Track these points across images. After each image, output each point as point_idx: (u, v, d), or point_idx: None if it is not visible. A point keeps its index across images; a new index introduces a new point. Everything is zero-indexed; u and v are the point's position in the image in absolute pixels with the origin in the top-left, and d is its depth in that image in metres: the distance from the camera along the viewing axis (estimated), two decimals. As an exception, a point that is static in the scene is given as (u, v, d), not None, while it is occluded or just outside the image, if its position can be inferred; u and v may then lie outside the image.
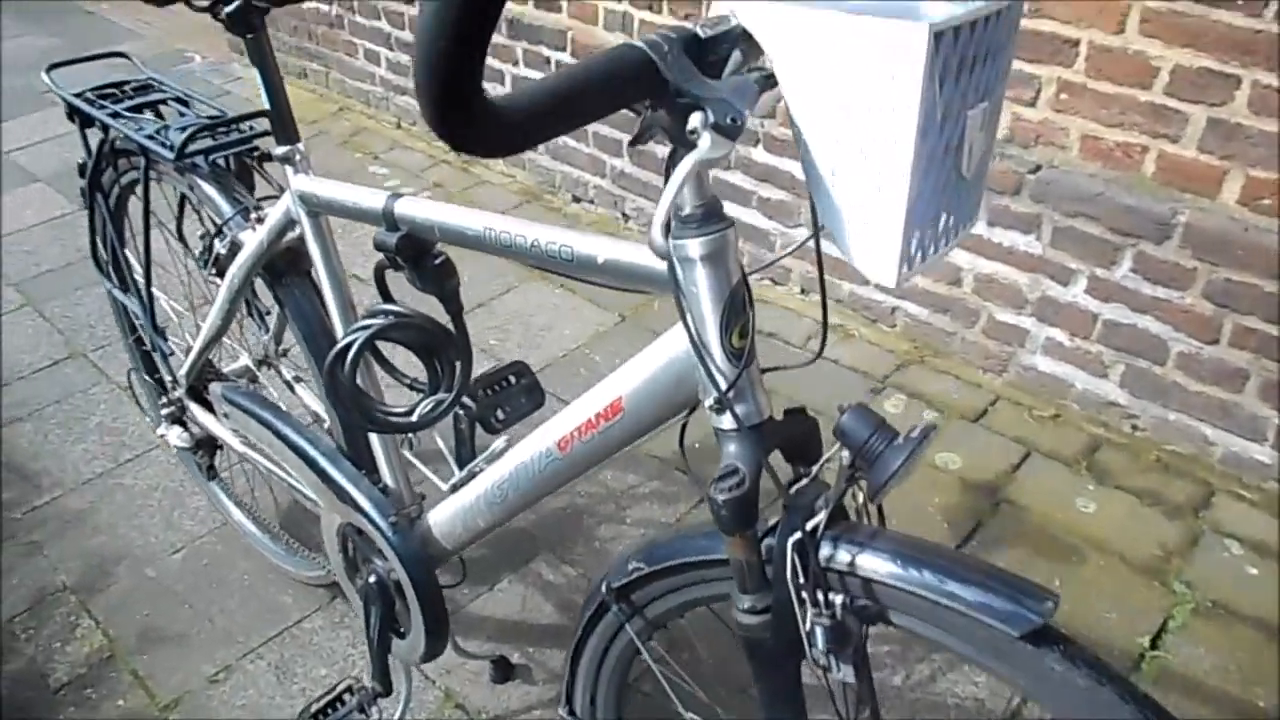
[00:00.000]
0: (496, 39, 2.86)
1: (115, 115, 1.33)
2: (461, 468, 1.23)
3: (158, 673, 1.60)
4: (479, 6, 0.49)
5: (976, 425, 2.04)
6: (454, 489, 1.18)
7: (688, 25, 0.65)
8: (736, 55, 0.66)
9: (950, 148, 0.64)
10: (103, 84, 1.39)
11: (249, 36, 1.10)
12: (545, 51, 2.75)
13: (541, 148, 2.91)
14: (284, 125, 1.12)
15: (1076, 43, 1.76)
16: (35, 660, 1.63)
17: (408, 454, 1.31)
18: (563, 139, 2.83)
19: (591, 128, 2.74)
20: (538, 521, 1.87)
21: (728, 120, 0.62)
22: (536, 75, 2.80)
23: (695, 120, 0.62)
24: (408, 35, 3.16)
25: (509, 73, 2.90)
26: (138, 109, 1.35)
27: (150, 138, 1.26)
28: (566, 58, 2.70)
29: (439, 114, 0.53)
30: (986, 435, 2.01)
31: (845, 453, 0.79)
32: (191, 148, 1.23)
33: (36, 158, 3.29)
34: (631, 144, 0.69)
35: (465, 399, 1.23)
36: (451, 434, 1.26)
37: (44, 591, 1.75)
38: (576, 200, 2.92)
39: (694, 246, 0.75)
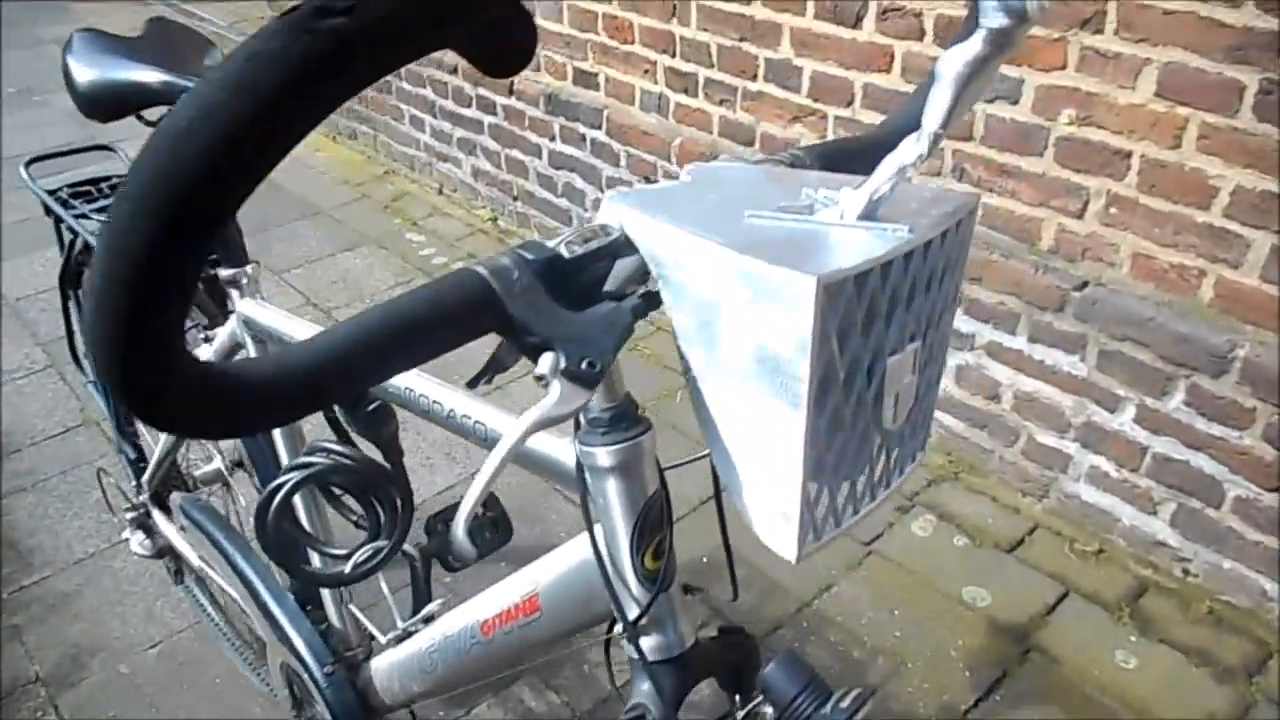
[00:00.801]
0: (534, 113, 2.82)
1: (83, 216, 1.28)
2: (416, 611, 1.13)
3: (113, 785, 1.53)
4: (194, 226, 0.36)
5: (1010, 556, 1.88)
6: (392, 643, 1.09)
7: (547, 244, 0.55)
8: (619, 268, 0.56)
9: (865, 402, 0.53)
10: (81, 180, 1.35)
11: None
12: (581, 129, 2.69)
13: (577, 223, 2.84)
14: (230, 249, 1.05)
15: (1128, 155, 1.62)
16: (-9, 762, 1.57)
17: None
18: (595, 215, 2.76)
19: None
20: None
21: (582, 366, 0.51)
22: (572, 151, 2.75)
23: (544, 365, 0.51)
24: (451, 104, 3.14)
25: (545, 147, 2.84)
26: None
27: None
28: (602, 136, 2.63)
29: (119, 368, 0.38)
30: (1021, 569, 1.85)
31: (769, 708, 0.67)
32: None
33: (86, 212, 3.34)
34: (471, 384, 0.59)
35: (426, 532, 1.14)
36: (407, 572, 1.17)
37: (16, 682, 1.70)
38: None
39: (602, 455, 0.65)
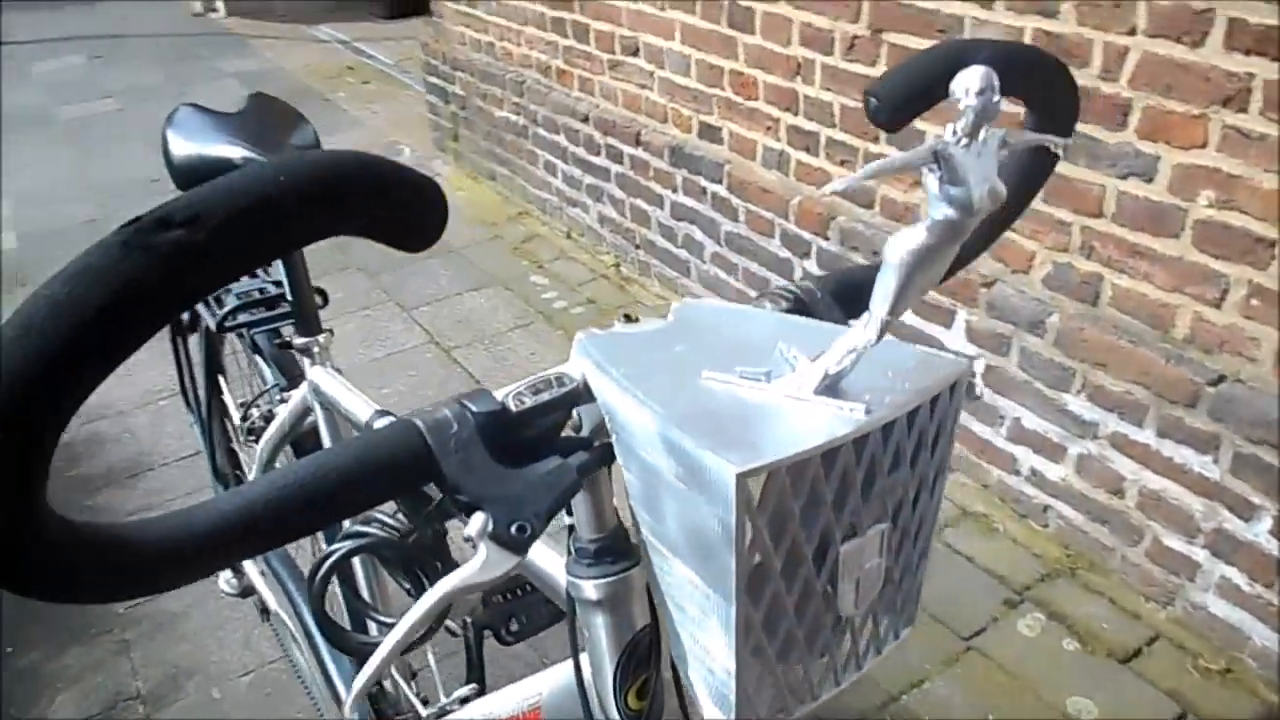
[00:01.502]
0: (659, 164, 2.83)
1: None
2: (469, 682, 1.13)
3: (191, 809, 1.59)
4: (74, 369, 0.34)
5: (1125, 667, 1.73)
6: (432, 718, 1.08)
7: (495, 396, 0.52)
8: (589, 413, 0.53)
9: (814, 590, 0.49)
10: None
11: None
12: (703, 182, 2.68)
13: (694, 274, 2.83)
14: (305, 319, 1.09)
15: (1271, 244, 1.48)
16: (88, 772, 1.66)
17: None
18: (716, 270, 2.74)
19: (740, 262, 2.63)
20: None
21: (511, 530, 0.48)
22: (693, 204, 2.74)
23: (472, 526, 0.48)
24: (582, 151, 3.19)
25: (668, 198, 2.85)
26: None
27: (206, 302, 1.27)
28: (722, 190, 2.61)
29: None
30: (1136, 683, 1.70)
31: None
32: (231, 321, 1.22)
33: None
34: (411, 527, 0.57)
35: (482, 604, 1.14)
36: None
37: (119, 696, 1.79)
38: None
39: (588, 587, 0.62)
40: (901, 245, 0.46)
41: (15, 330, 0.33)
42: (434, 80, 4.06)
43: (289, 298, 1.11)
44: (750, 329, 0.56)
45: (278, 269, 1.40)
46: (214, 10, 7.10)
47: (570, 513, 0.62)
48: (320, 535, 1.52)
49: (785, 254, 2.46)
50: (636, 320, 0.58)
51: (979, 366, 2.00)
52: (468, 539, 0.48)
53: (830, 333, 0.52)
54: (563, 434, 0.54)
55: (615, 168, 3.06)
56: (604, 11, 2.89)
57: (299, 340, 1.09)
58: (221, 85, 5.43)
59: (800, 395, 0.48)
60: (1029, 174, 0.70)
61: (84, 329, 0.33)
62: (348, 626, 1.14)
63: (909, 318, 2.14)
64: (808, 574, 0.49)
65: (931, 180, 0.45)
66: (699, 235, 2.78)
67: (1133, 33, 1.57)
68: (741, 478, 0.43)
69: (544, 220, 3.57)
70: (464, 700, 1.03)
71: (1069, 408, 1.86)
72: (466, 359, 2.81)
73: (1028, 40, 1.73)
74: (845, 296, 0.65)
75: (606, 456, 0.52)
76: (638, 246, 3.08)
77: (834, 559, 0.49)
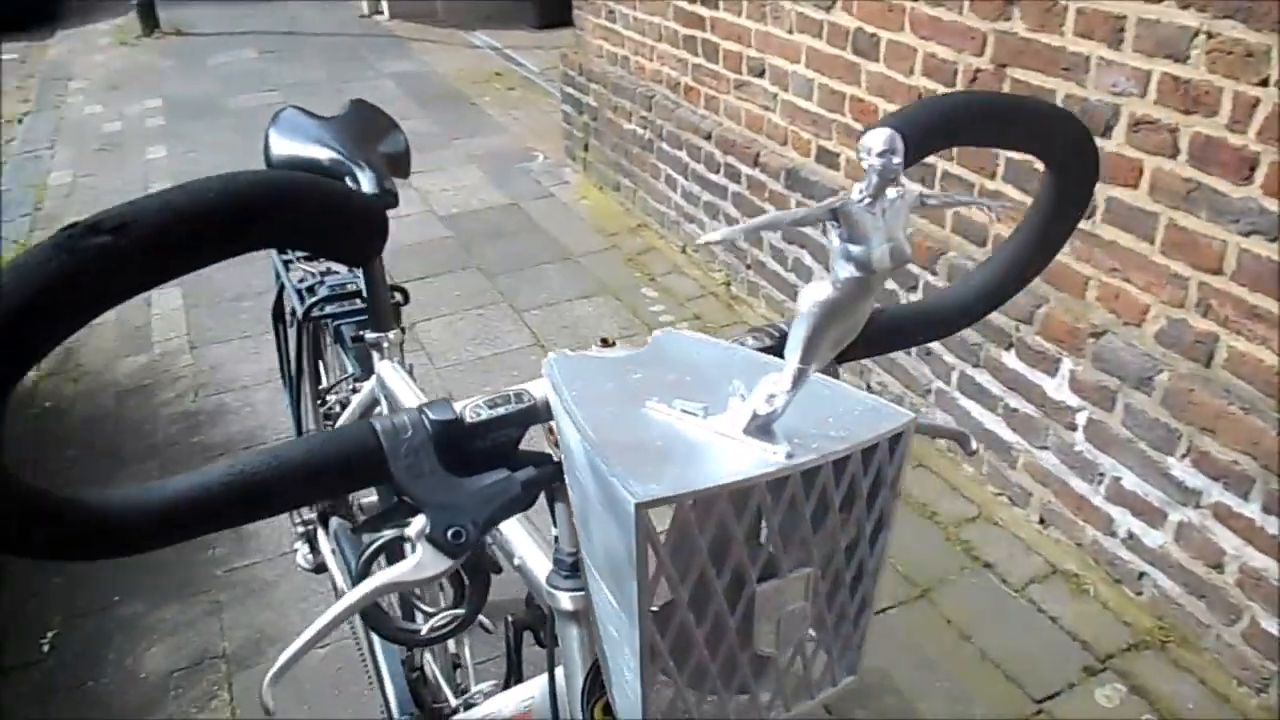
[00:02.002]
0: (775, 186, 2.82)
1: (289, 263, 1.43)
2: (508, 682, 1.16)
3: (255, 768, 1.67)
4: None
5: (1206, 753, 1.62)
6: (460, 709, 1.12)
7: (453, 406, 0.54)
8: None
9: (727, 626, 0.49)
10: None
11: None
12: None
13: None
14: (378, 315, 1.14)
15: (1405, 318, 1.37)
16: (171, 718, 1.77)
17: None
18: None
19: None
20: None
21: (447, 535, 0.50)
22: (805, 228, 2.72)
23: (413, 527, 0.51)
24: (702, 168, 3.21)
25: (782, 221, 2.83)
26: (315, 258, 1.45)
27: (299, 291, 1.34)
28: (835, 218, 2.58)
29: None
30: (1216, 771, 1.59)
31: None
32: (317, 311, 1.29)
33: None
34: (355, 530, 0.59)
35: (525, 604, 1.17)
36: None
37: (205, 654, 1.91)
38: (827, 360, 2.77)
39: (563, 598, 0.64)
40: (810, 297, 0.47)
41: None
42: (570, 90, 4.15)
43: (364, 294, 1.17)
44: (716, 364, 0.56)
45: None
46: (379, 13, 7.45)
47: (555, 524, 0.64)
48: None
49: (891, 286, 2.41)
50: (613, 344, 0.59)
51: (1080, 419, 1.92)
52: (405, 539, 0.51)
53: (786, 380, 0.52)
54: (522, 449, 0.56)
55: (733, 186, 3.06)
56: (734, 31, 2.90)
57: (370, 335, 1.14)
58: (378, 85, 5.69)
59: (729, 433, 0.48)
60: (1057, 215, 0.68)
61: (13, 319, 0.37)
62: (398, 614, 1.18)
63: (1011, 361, 2.07)
64: (719, 609, 0.49)
65: (834, 237, 0.45)
66: (808, 260, 2.76)
67: (1265, 83, 1.48)
68: (641, 507, 0.44)
69: (661, 234, 3.61)
70: (486, 695, 1.06)
71: (1172, 471, 1.76)
72: (568, 365, 2.87)
73: (1154, 85, 1.65)
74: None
75: (557, 475, 0.54)
76: (749, 266, 3.07)
77: (749, 597, 0.49)
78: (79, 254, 0.36)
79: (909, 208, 0.46)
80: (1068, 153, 0.64)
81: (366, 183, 1.04)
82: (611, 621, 0.50)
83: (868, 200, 0.45)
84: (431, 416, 0.53)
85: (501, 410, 0.54)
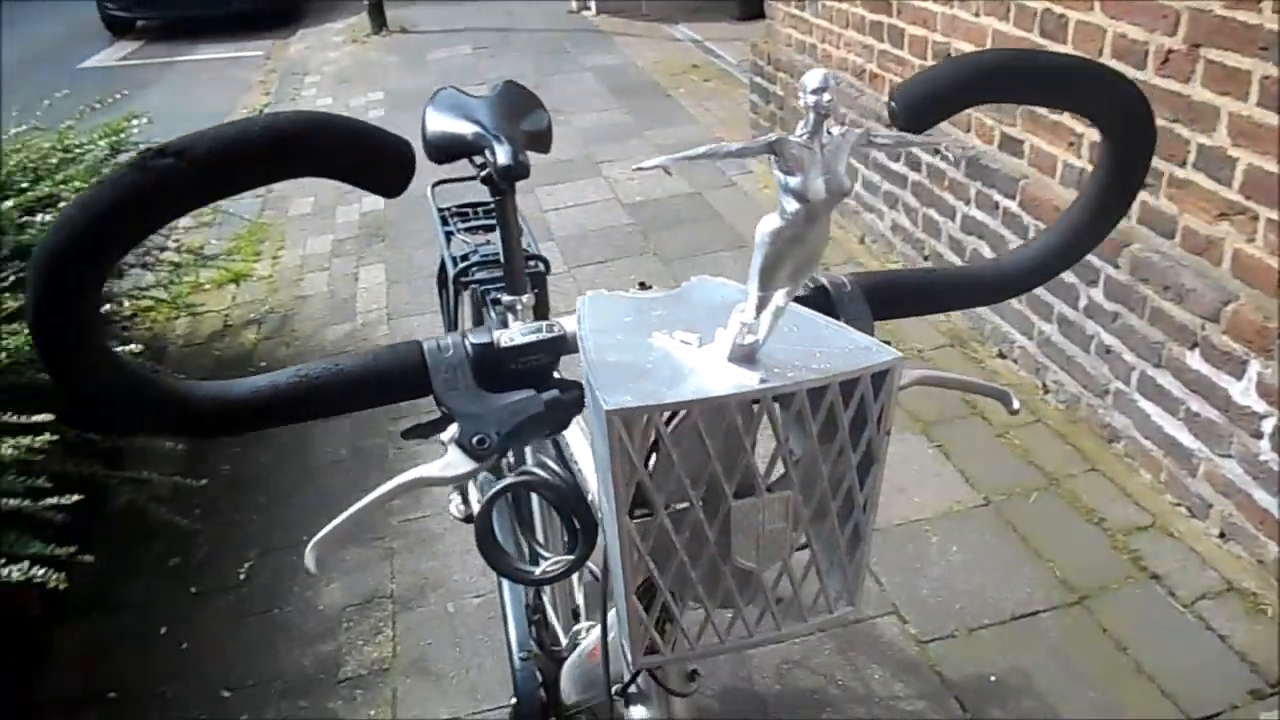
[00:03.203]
0: (954, 175, 2.73)
1: (451, 233, 1.54)
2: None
3: (409, 699, 1.82)
4: (113, 226, 0.46)
5: (1390, 798, 1.47)
6: (567, 650, 1.18)
7: (491, 331, 0.60)
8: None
9: (705, 538, 0.52)
10: (464, 203, 1.62)
11: (498, 197, 1.21)
12: (996, 196, 2.56)
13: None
14: (512, 280, 1.22)
15: None
16: (340, 649, 1.95)
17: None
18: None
19: (1025, 285, 2.49)
20: (781, 692, 1.76)
21: (473, 441, 0.56)
22: (984, 218, 2.63)
23: (447, 433, 0.57)
24: (882, 156, 3.15)
25: (960, 210, 2.75)
26: (476, 229, 1.55)
27: (453, 259, 1.45)
28: (1014, 206, 2.48)
29: (41, 334, 0.48)
30: (1398, 818, 1.44)
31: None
32: (465, 277, 1.39)
33: (561, 219, 3.88)
34: (405, 434, 0.65)
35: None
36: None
37: (375, 594, 2.09)
38: (1001, 356, 2.66)
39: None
40: (762, 228, 0.50)
41: (66, 212, 0.46)
42: (758, 80, 4.17)
43: (502, 260, 1.25)
44: (732, 304, 0.59)
45: (528, 235, 1.56)
46: (587, 8, 7.72)
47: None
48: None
49: (1072, 279, 2.30)
50: (649, 288, 0.64)
51: (1266, 426, 1.77)
52: (443, 442, 0.57)
53: (798, 319, 0.55)
54: (558, 377, 0.62)
55: (912, 175, 2.99)
56: (920, 15, 2.84)
57: (505, 298, 1.23)
58: (579, 78, 5.91)
59: (715, 360, 0.52)
60: (1112, 187, 0.66)
61: (99, 216, 0.46)
62: (521, 556, 1.26)
63: (1195, 362, 1.93)
64: (696, 519, 0.53)
65: (776, 170, 0.47)
66: (986, 251, 2.66)
67: None
68: (612, 414, 0.48)
69: (840, 224, 3.56)
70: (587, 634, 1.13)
71: (1370, 488, 1.60)
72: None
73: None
74: (878, 297, 0.66)
75: (581, 400, 0.59)
76: (925, 258, 3.00)
77: (726, 511, 0.53)
78: (149, 171, 0.45)
79: (851, 145, 0.48)
80: (1120, 118, 0.62)
81: (502, 155, 1.12)
82: (610, 529, 0.55)
83: (805, 136, 0.47)
84: (471, 340, 0.59)
85: (533, 338, 0.60)
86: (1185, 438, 2.00)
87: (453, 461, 0.56)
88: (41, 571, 1.45)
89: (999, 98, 0.63)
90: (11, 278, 2.05)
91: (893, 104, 0.57)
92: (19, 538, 1.54)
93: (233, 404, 0.55)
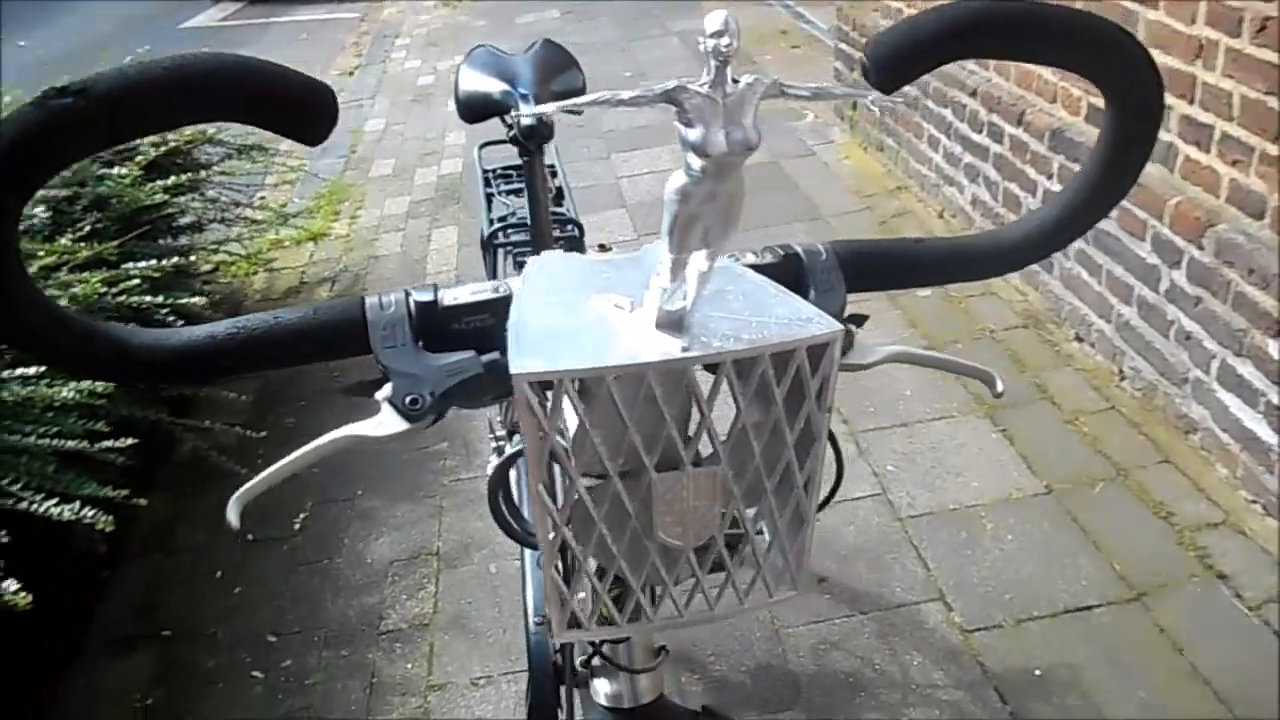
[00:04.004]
0: (1037, 148, 2.61)
1: (492, 196, 1.53)
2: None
3: (445, 655, 1.85)
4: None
5: None
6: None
7: (435, 289, 0.59)
8: None
9: (626, 510, 0.50)
10: (507, 165, 1.61)
11: (526, 159, 1.20)
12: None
13: (1056, 269, 2.60)
14: (538, 242, 1.21)
15: None
16: (384, 602, 1.99)
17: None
18: (1079, 269, 2.49)
19: (1105, 263, 2.37)
20: (816, 673, 1.73)
21: (405, 400, 0.54)
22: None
23: (382, 391, 0.55)
24: (965, 128, 3.03)
25: (1041, 185, 2.63)
26: (518, 192, 1.54)
27: (489, 220, 1.44)
28: (1097, 183, 2.36)
29: None
30: None
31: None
32: (500, 238, 1.38)
33: (634, 186, 3.85)
34: (346, 390, 0.63)
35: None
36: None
37: (422, 550, 2.12)
38: (1078, 340, 2.55)
39: None
40: (669, 185, 0.47)
41: None
42: (843, 46, 4.05)
43: (528, 222, 1.24)
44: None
45: (567, 199, 1.54)
46: (679, -28, 7.59)
47: None
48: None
49: (1154, 260, 2.18)
50: (609, 250, 0.61)
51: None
52: (377, 400, 0.56)
53: (746, 285, 0.52)
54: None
55: (994, 147, 2.87)
56: (1008, -20, 2.70)
57: (530, 260, 1.22)
58: (664, 42, 5.84)
59: (642, 325, 0.49)
60: (1115, 159, 0.60)
61: (5, 156, 0.45)
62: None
63: (1278, 351, 1.81)
64: (615, 490, 0.51)
65: (677, 123, 0.44)
66: (1089, 249, 2.54)
67: None
68: (519, 378, 0.46)
69: (920, 197, 3.45)
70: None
71: None
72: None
73: None
74: (855, 267, 0.62)
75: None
76: (1004, 234, 2.88)
77: (647, 484, 0.50)
78: (47, 109, 0.44)
79: (760, 95, 0.44)
80: (1121, 76, 0.56)
81: (526, 115, 1.10)
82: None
83: (706, 85, 0.43)
84: (414, 297, 0.58)
85: (477, 297, 0.58)
86: (1264, 431, 1.88)
87: (384, 421, 0.55)
88: (91, 512, 1.51)
89: (987, 53, 0.58)
90: (88, 227, 2.13)
91: (865, 58, 0.53)
92: (76, 478, 1.60)
93: (169, 352, 0.55)
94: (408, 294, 0.58)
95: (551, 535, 0.52)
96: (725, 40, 0.43)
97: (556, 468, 0.52)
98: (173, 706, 1.81)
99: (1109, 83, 0.57)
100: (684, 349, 0.47)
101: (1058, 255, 2.59)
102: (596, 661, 0.74)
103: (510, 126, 1.20)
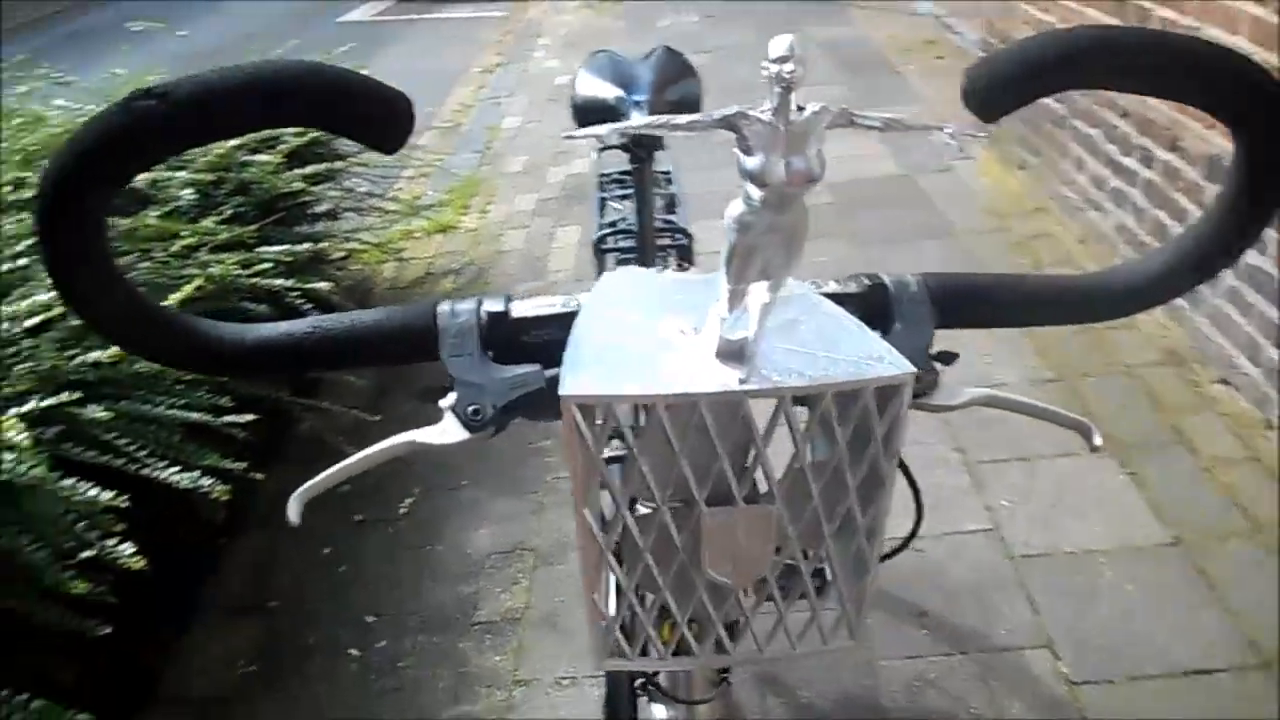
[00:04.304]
0: (1191, 175, 2.46)
1: (605, 200, 1.53)
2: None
3: (534, 651, 1.86)
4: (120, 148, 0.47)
5: None
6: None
7: (508, 299, 0.58)
8: None
9: (673, 544, 0.48)
10: (622, 170, 1.60)
11: (636, 165, 1.19)
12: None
13: (1202, 306, 2.43)
14: (643, 251, 1.20)
15: None
16: (477, 593, 2.02)
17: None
18: (1227, 307, 2.33)
19: (1257, 302, 2.20)
20: (907, 710, 1.67)
21: (468, 410, 0.53)
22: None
23: (446, 400, 0.55)
24: (1114, 150, 2.87)
25: (1192, 215, 2.46)
26: (630, 197, 1.53)
27: (599, 225, 1.44)
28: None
29: (45, 250, 0.49)
30: None
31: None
32: (606, 244, 1.38)
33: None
34: (419, 395, 0.62)
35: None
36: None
37: (519, 545, 2.14)
38: (1224, 383, 2.38)
39: None
40: (728, 213, 0.44)
41: (65, 142, 0.47)
42: (989, 60, 3.90)
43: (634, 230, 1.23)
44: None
45: (680, 207, 1.53)
46: (826, -21, 7.48)
47: None
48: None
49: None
50: (687, 269, 0.60)
51: None
52: (441, 408, 0.56)
53: (822, 317, 0.50)
54: None
55: (1144, 173, 2.72)
56: (1170, -5, 2.55)
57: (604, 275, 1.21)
58: (805, 50, 5.76)
59: (701, 352, 0.47)
60: (1243, 198, 0.54)
61: (85, 152, 0.47)
62: None
63: None
64: (662, 521, 0.49)
65: (736, 150, 0.41)
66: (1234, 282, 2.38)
67: None
68: (566, 400, 0.45)
69: (1059, 220, 3.30)
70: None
71: None
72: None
73: None
74: (947, 302, 0.58)
75: None
76: (1148, 264, 2.72)
77: (696, 517, 0.49)
78: (132, 111, 0.45)
79: (826, 124, 0.42)
80: (1253, 115, 0.51)
81: (639, 120, 1.09)
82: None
83: (768, 112, 0.41)
84: (485, 307, 0.57)
85: (546, 310, 0.58)
86: None
87: (447, 429, 0.55)
88: (208, 481, 1.58)
89: (1095, 83, 0.54)
90: (229, 211, 2.23)
91: (964, 83, 0.50)
92: (198, 449, 1.68)
93: (247, 347, 0.56)
94: (480, 303, 0.58)
95: (593, 562, 0.51)
96: (789, 66, 0.40)
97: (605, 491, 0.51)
98: (274, 675, 1.88)
99: (1235, 117, 0.52)
100: (740, 381, 0.45)
101: (1204, 289, 2.43)
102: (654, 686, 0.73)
103: (622, 134, 1.19)
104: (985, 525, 2.04)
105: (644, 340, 0.50)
